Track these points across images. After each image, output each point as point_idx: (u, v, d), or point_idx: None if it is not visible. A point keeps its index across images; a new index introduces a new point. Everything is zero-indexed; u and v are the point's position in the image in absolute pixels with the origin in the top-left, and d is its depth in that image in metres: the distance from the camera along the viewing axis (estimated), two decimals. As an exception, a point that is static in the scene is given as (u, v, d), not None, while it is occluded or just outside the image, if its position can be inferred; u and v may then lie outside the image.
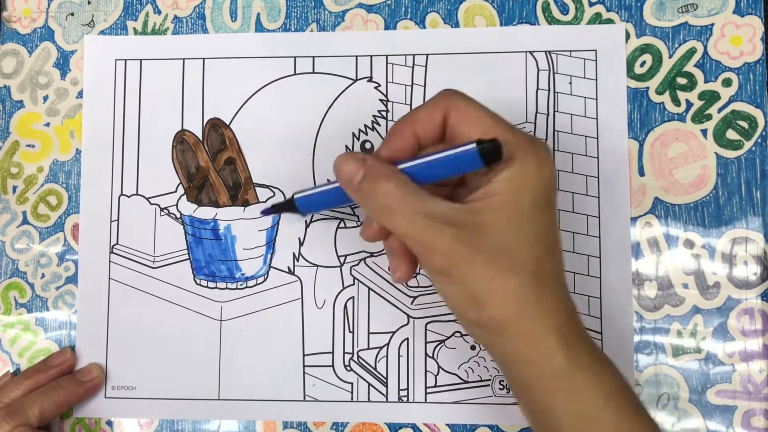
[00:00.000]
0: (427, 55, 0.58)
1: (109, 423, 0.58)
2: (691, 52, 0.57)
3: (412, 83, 0.57)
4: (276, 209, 0.52)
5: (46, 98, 0.60)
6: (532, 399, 0.43)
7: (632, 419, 0.41)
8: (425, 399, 0.56)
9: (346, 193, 0.45)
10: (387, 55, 0.58)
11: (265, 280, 0.57)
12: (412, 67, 0.58)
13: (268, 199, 0.57)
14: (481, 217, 0.41)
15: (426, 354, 0.56)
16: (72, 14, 0.60)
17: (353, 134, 0.57)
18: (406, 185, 0.42)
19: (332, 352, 0.57)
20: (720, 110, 0.56)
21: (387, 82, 0.58)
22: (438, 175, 0.43)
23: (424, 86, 0.57)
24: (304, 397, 0.56)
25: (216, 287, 0.57)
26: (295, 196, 0.49)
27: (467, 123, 0.43)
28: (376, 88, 0.58)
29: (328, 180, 0.56)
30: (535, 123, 0.57)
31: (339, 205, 0.51)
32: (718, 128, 0.56)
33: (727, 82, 0.56)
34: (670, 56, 0.57)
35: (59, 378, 0.56)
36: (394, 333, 0.56)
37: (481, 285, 0.41)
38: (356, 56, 0.58)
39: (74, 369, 0.58)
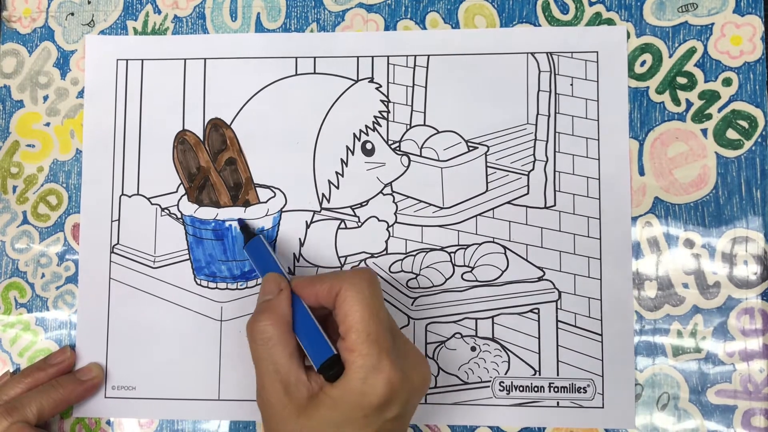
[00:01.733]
0: (429, 56, 0.58)
1: (109, 423, 0.58)
2: (691, 51, 0.57)
3: (413, 84, 0.57)
4: (245, 232, 0.56)
5: (46, 98, 0.60)
6: None
7: None
8: (425, 400, 0.56)
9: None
10: (388, 56, 0.58)
11: (265, 281, 0.57)
12: (414, 68, 0.58)
13: (269, 199, 0.57)
14: (309, 401, 0.46)
15: (426, 355, 0.56)
16: (72, 14, 0.60)
17: (354, 135, 0.57)
18: (282, 337, 0.47)
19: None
20: (720, 110, 0.56)
21: (388, 82, 0.58)
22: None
23: (425, 87, 0.57)
24: (305, 397, 0.56)
25: (216, 287, 0.57)
26: (248, 244, 0.55)
27: (342, 314, 0.47)
28: (377, 88, 0.58)
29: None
30: (536, 124, 0.57)
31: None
32: (718, 128, 0.56)
33: (727, 82, 0.56)
34: (670, 56, 0.57)
35: (59, 377, 0.56)
36: (394, 333, 0.56)
37: None
38: (357, 57, 0.58)
39: (74, 368, 0.58)
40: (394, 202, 0.57)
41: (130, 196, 0.58)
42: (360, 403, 0.45)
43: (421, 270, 0.57)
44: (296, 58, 0.58)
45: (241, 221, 0.57)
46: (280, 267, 0.52)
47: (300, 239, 0.57)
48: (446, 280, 0.56)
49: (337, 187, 0.57)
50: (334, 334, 0.48)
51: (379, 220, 0.57)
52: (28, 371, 0.56)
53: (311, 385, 0.47)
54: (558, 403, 0.55)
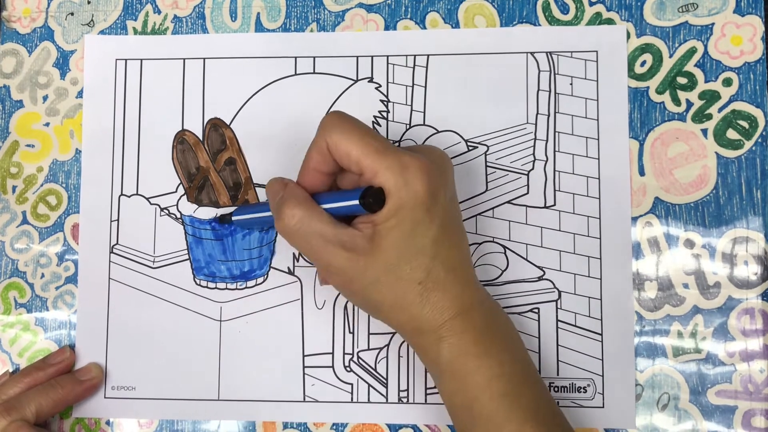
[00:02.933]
0: (428, 55, 0.58)
1: (109, 423, 0.58)
2: (692, 51, 0.57)
3: (413, 84, 0.57)
4: (222, 220, 0.57)
5: (45, 98, 0.60)
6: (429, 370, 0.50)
7: (509, 402, 0.46)
8: (425, 400, 0.56)
9: (266, 219, 0.53)
10: (388, 56, 0.58)
11: (265, 281, 0.57)
12: (413, 68, 0.58)
13: (269, 199, 0.57)
14: (372, 242, 0.46)
15: (426, 354, 0.56)
16: (72, 14, 0.60)
17: (354, 134, 0.57)
18: (312, 210, 0.47)
19: (332, 353, 0.57)
20: (720, 110, 0.56)
21: (388, 82, 0.58)
22: (338, 213, 0.48)
23: (425, 87, 0.57)
24: (304, 398, 0.56)
25: (216, 287, 0.57)
26: (233, 217, 0.56)
27: (342, 155, 0.47)
28: (376, 88, 0.58)
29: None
30: (536, 124, 0.57)
31: (259, 226, 0.57)
32: (718, 128, 0.56)
33: (727, 82, 0.56)
34: (671, 56, 0.57)
35: (58, 377, 0.56)
36: (394, 334, 0.56)
37: (373, 296, 0.47)
38: (357, 57, 0.58)
39: (73, 368, 0.58)
40: (393, 202, 0.57)
41: (129, 196, 0.58)
42: (415, 203, 0.45)
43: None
44: (296, 58, 0.58)
45: (213, 220, 0.57)
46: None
47: (299, 239, 0.57)
48: (446, 280, 0.56)
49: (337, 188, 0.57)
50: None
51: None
52: (27, 371, 0.56)
53: (363, 230, 0.47)
54: (558, 403, 0.55)
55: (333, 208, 0.48)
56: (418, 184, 0.45)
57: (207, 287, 0.58)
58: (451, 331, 0.46)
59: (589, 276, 0.56)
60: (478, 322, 0.47)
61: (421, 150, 0.49)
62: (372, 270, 0.46)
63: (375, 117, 0.57)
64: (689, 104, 0.56)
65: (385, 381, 0.56)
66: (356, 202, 0.46)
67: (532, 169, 0.57)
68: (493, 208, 0.57)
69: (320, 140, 0.48)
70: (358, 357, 0.57)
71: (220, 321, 0.57)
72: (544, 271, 0.56)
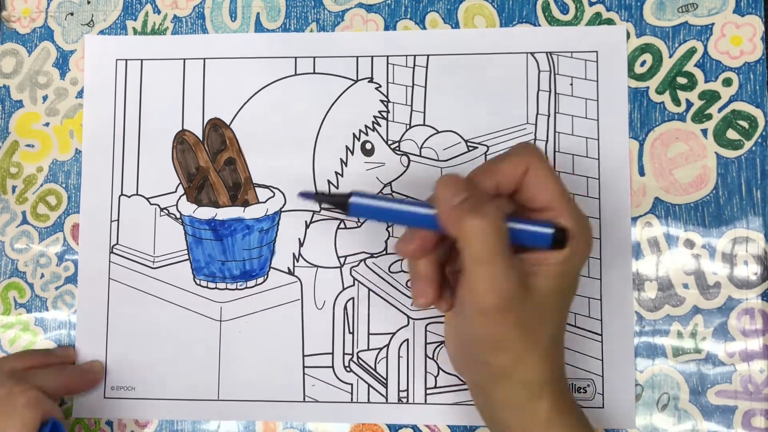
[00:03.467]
0: (428, 55, 0.58)
1: (109, 423, 0.58)
2: (691, 51, 0.57)
3: (413, 84, 0.57)
4: (320, 198, 0.49)
5: (45, 98, 0.60)
6: None
7: None
8: (425, 400, 0.56)
9: (409, 215, 0.46)
10: (388, 56, 0.58)
11: (265, 281, 0.57)
12: (413, 68, 0.58)
13: (268, 199, 0.57)
14: (534, 278, 0.45)
15: (426, 355, 0.56)
16: (71, 14, 0.60)
17: (354, 135, 0.57)
18: (501, 222, 0.44)
19: (332, 353, 0.57)
20: (720, 110, 0.56)
21: (388, 82, 0.58)
22: (511, 239, 0.44)
23: (425, 87, 0.57)
24: (304, 398, 0.56)
25: (216, 288, 0.57)
26: (352, 201, 0.46)
27: (540, 187, 0.46)
28: (376, 88, 0.58)
29: (392, 194, 0.56)
30: (536, 124, 0.57)
31: (391, 221, 0.51)
32: (718, 128, 0.56)
33: (727, 82, 0.56)
34: (671, 56, 0.57)
35: (63, 365, 0.57)
36: (394, 334, 0.56)
37: (510, 333, 0.45)
38: (357, 57, 0.58)
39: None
40: (393, 202, 0.57)
41: (129, 197, 0.58)
42: (581, 260, 0.46)
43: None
44: (296, 58, 0.58)
45: (307, 195, 0.48)
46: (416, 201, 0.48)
47: (299, 239, 0.57)
48: (446, 280, 0.56)
49: (337, 187, 0.57)
50: None
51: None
52: (32, 353, 0.57)
53: (522, 264, 0.45)
54: (558, 403, 0.55)
55: (518, 228, 0.45)
56: (588, 245, 0.46)
57: (207, 287, 0.58)
58: (553, 391, 0.46)
59: (589, 276, 0.56)
60: (565, 391, 0.48)
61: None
62: (525, 306, 0.44)
63: (375, 117, 0.57)
64: (689, 104, 0.56)
65: (384, 381, 0.56)
66: (549, 230, 0.45)
67: (532, 169, 0.57)
68: (493, 209, 0.57)
69: (519, 161, 0.46)
70: (358, 357, 0.57)
71: (220, 321, 0.57)
72: (544, 272, 0.56)
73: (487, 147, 0.57)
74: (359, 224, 0.57)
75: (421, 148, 0.57)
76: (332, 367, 0.57)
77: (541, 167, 0.46)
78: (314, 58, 0.58)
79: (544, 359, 0.46)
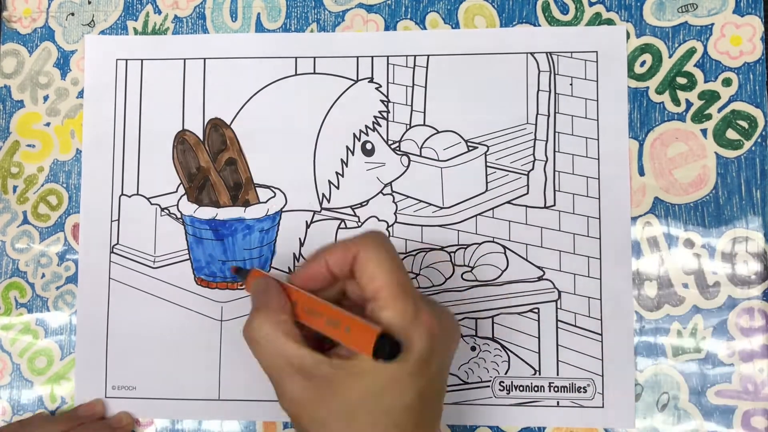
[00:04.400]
0: (428, 56, 0.58)
1: (110, 423, 0.58)
2: (691, 51, 0.57)
3: (413, 84, 0.58)
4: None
5: (46, 98, 0.60)
6: None
7: None
8: (426, 399, 0.56)
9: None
10: (388, 56, 0.58)
11: (265, 281, 0.57)
12: (413, 68, 0.58)
13: (269, 199, 0.57)
14: (337, 377, 0.41)
15: (426, 354, 0.56)
16: (72, 14, 0.60)
17: (354, 135, 0.57)
18: (280, 329, 0.43)
19: (333, 353, 0.57)
20: (720, 110, 0.56)
21: (388, 82, 0.58)
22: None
23: (425, 87, 0.57)
24: (305, 397, 0.56)
25: (216, 287, 0.57)
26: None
27: (370, 276, 0.42)
28: (377, 88, 0.58)
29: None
30: (535, 124, 0.57)
31: None
32: (718, 128, 0.56)
33: (726, 82, 0.56)
34: (670, 56, 0.57)
35: (90, 422, 0.56)
36: (394, 333, 0.56)
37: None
38: (357, 57, 0.58)
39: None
40: (394, 202, 0.57)
41: (129, 196, 0.58)
42: (404, 362, 0.40)
43: (420, 270, 0.57)
44: (296, 58, 0.58)
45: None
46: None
47: (300, 239, 0.57)
48: (446, 279, 0.56)
49: (337, 187, 0.57)
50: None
51: (379, 220, 0.57)
52: (59, 417, 0.56)
53: (333, 361, 0.42)
54: (558, 402, 0.55)
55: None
56: (416, 343, 0.41)
57: (207, 287, 0.58)
58: None
59: (588, 276, 0.56)
60: None
61: (438, 311, 0.44)
62: (323, 410, 0.42)
63: (375, 117, 0.58)
64: (689, 104, 0.56)
65: (385, 381, 0.56)
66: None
67: (532, 169, 0.57)
68: (493, 209, 0.57)
69: (353, 246, 0.43)
70: (359, 357, 0.57)
71: (221, 321, 0.57)
72: (544, 272, 0.56)
73: (487, 147, 0.57)
74: (360, 224, 0.57)
75: (421, 148, 0.57)
76: (332, 366, 0.57)
77: (369, 256, 0.42)
78: (314, 58, 0.58)
79: None
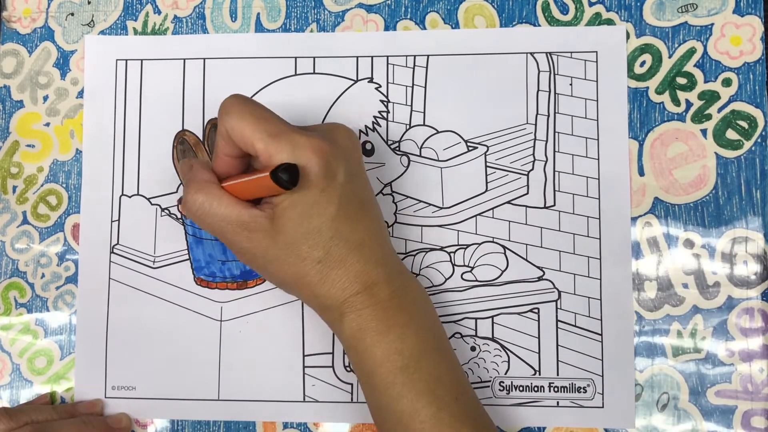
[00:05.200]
0: (428, 56, 0.58)
1: (110, 423, 0.58)
2: (691, 52, 0.57)
3: (413, 84, 0.58)
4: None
5: (46, 98, 0.60)
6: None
7: (405, 377, 0.47)
8: (426, 399, 0.56)
9: None
10: (388, 56, 0.58)
11: (265, 281, 0.57)
12: (413, 68, 0.58)
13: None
14: (272, 222, 0.47)
15: (426, 354, 0.56)
16: (72, 14, 0.60)
17: (354, 135, 0.57)
18: (212, 194, 0.49)
19: (332, 353, 0.57)
20: (720, 110, 0.56)
21: (388, 82, 0.58)
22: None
23: (425, 87, 0.57)
24: (304, 398, 0.56)
25: (216, 287, 0.57)
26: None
27: (240, 138, 0.48)
28: (376, 88, 0.58)
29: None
30: (535, 124, 0.57)
31: None
32: (717, 128, 0.56)
33: (726, 82, 0.56)
34: (670, 56, 0.57)
35: (89, 417, 0.56)
36: (394, 333, 0.56)
37: (277, 273, 0.49)
38: (357, 57, 0.58)
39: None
40: (393, 202, 0.57)
41: (130, 197, 0.58)
42: (308, 184, 0.46)
43: (420, 270, 0.57)
44: (296, 58, 0.58)
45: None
46: None
47: (300, 239, 0.57)
48: (446, 280, 0.56)
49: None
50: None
51: (378, 220, 0.57)
52: (57, 407, 0.56)
53: (264, 210, 0.48)
54: (558, 403, 0.55)
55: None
56: (310, 165, 0.46)
57: (207, 287, 0.58)
58: (351, 307, 0.48)
59: (588, 276, 0.56)
60: (382, 298, 0.48)
61: (321, 129, 0.50)
62: (273, 249, 0.47)
63: (375, 117, 0.58)
64: (689, 104, 0.56)
65: (385, 381, 0.56)
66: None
67: (532, 169, 0.57)
68: (493, 209, 0.57)
69: (221, 125, 0.48)
70: (358, 357, 0.57)
71: (221, 321, 0.57)
72: (543, 272, 0.56)
73: (487, 147, 0.57)
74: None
75: (421, 148, 0.57)
76: (332, 366, 0.57)
77: (233, 119, 0.47)
78: (314, 58, 0.58)
79: (319, 284, 0.48)
